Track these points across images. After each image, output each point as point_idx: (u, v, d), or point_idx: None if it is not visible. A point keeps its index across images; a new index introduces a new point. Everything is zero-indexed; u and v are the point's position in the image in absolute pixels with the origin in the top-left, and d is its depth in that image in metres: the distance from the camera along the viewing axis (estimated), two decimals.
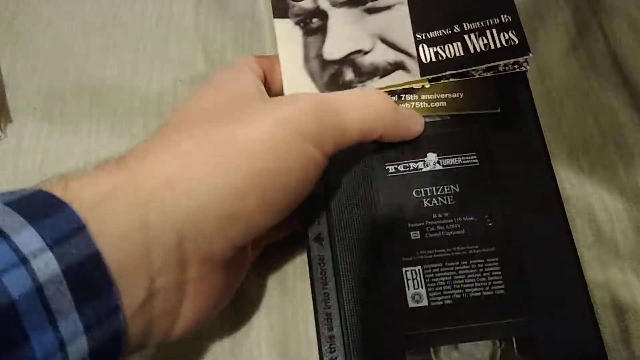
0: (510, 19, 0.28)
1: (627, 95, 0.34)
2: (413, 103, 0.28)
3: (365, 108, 0.24)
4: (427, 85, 0.28)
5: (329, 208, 0.26)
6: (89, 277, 0.18)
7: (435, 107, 0.28)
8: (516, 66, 0.28)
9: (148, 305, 0.20)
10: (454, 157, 0.27)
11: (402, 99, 0.28)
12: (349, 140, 0.24)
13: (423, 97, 0.28)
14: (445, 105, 0.28)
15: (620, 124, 0.33)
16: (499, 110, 0.27)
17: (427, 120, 0.28)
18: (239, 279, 0.26)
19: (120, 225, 0.19)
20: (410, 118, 0.27)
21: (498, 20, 0.28)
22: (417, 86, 0.28)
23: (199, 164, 0.21)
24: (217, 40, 0.38)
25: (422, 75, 0.28)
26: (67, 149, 0.34)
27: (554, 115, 0.33)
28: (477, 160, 0.27)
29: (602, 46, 0.35)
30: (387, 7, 0.29)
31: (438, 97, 0.28)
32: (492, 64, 0.27)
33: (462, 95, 0.28)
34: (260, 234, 0.23)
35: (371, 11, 0.29)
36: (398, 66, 0.28)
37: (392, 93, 0.28)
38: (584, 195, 0.31)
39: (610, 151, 0.32)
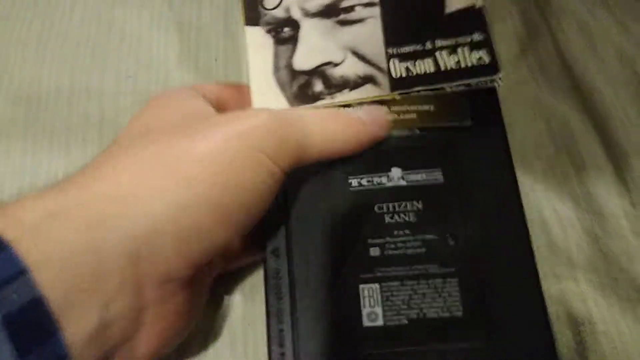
0: (482, 37, 0.28)
1: (578, 100, 0.33)
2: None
3: (328, 130, 0.24)
4: (398, 97, 0.28)
5: (287, 220, 0.25)
6: (31, 324, 0.17)
7: (405, 119, 0.27)
8: (488, 81, 0.27)
9: (102, 335, 0.19)
10: (419, 172, 0.26)
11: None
12: (308, 159, 0.24)
13: (393, 108, 0.27)
14: (415, 117, 0.27)
15: (571, 130, 0.32)
16: (470, 124, 0.27)
17: (394, 134, 0.27)
18: (201, 302, 0.25)
19: (67, 247, 0.18)
20: (371, 121, 0.26)
21: (470, 39, 0.28)
22: (387, 98, 0.28)
23: (152, 179, 0.20)
24: (161, 51, 0.36)
25: (391, 90, 0.27)
26: None
27: (505, 121, 0.33)
28: (442, 177, 0.26)
29: (551, 50, 0.35)
30: (360, 20, 0.29)
31: (408, 109, 0.27)
32: (461, 82, 0.27)
33: (433, 108, 0.27)
34: (219, 250, 0.22)
35: (344, 23, 0.29)
36: (368, 80, 0.28)
37: (361, 105, 0.27)
38: (536, 204, 0.31)
39: (562, 158, 0.32)
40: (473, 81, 0.27)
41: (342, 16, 0.29)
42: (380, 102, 0.27)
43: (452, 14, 0.28)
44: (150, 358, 0.22)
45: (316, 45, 0.29)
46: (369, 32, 0.28)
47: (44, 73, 0.35)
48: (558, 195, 0.31)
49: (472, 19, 0.28)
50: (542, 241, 0.30)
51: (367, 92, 0.27)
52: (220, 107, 0.27)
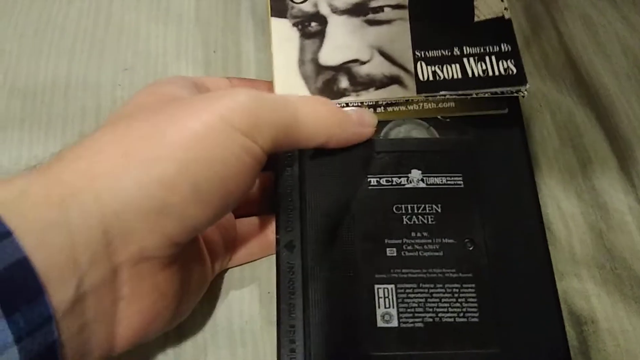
0: (510, 48, 0.28)
1: (583, 94, 0.33)
2: (422, 104, 0.27)
3: (312, 115, 0.24)
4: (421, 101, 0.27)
5: (303, 215, 0.25)
6: (18, 283, 0.16)
7: (443, 107, 0.27)
8: (514, 90, 0.27)
9: (78, 307, 0.18)
10: (439, 176, 0.26)
11: (410, 100, 0.27)
12: (291, 142, 0.23)
13: (431, 98, 0.27)
14: (453, 106, 0.27)
15: (576, 124, 0.32)
16: (506, 111, 0.27)
17: (415, 136, 0.27)
18: (194, 290, 0.25)
19: (39, 220, 0.18)
20: (359, 120, 0.26)
21: (498, 48, 0.28)
22: (412, 99, 0.27)
23: (121, 157, 0.20)
24: (159, 44, 0.36)
25: (418, 92, 0.27)
26: None
27: None
28: (462, 182, 0.26)
29: (556, 44, 0.35)
30: (388, 21, 0.29)
31: (447, 98, 0.27)
32: (488, 90, 0.27)
33: (470, 97, 0.27)
34: (198, 229, 0.21)
35: (372, 23, 0.29)
36: (394, 80, 0.27)
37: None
38: (540, 199, 0.29)
39: (567, 152, 0.32)
40: (499, 90, 0.27)
41: (370, 16, 0.29)
42: (406, 103, 0.27)
43: (480, 23, 0.28)
44: (132, 342, 0.21)
45: (343, 42, 0.28)
46: (397, 34, 0.28)
47: (40, 65, 0.35)
48: (562, 190, 0.31)
49: (500, 30, 0.28)
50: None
51: (392, 92, 0.27)
52: None
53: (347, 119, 0.25)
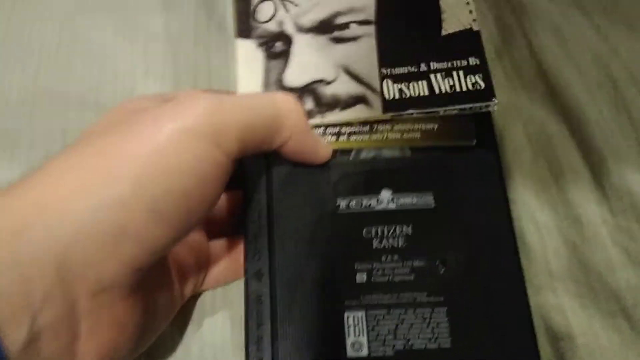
0: (478, 62, 0.27)
1: (555, 105, 0.32)
2: (386, 134, 0.27)
3: (268, 104, 0.23)
4: (387, 124, 0.27)
5: (272, 242, 0.24)
6: None
7: (408, 138, 0.27)
8: (483, 106, 0.27)
9: (33, 347, 0.17)
10: (410, 196, 0.25)
11: (374, 129, 0.27)
12: (254, 137, 0.22)
13: (396, 127, 0.27)
14: (419, 136, 0.27)
15: (549, 135, 0.32)
16: (474, 143, 0.26)
17: (385, 154, 0.26)
18: (159, 318, 0.24)
19: None
20: (319, 139, 0.26)
21: (466, 63, 0.27)
22: (379, 119, 0.27)
23: (74, 180, 0.19)
24: (127, 62, 0.35)
25: (383, 112, 0.26)
26: None
27: None
28: (433, 202, 0.25)
29: (526, 55, 0.34)
30: (354, 38, 0.28)
31: (412, 127, 0.27)
32: (456, 107, 0.26)
33: (436, 127, 0.27)
34: (160, 251, 0.20)
35: (337, 40, 0.28)
36: (360, 100, 0.27)
37: (364, 123, 0.27)
38: (514, 210, 0.29)
39: (540, 164, 0.31)
40: (467, 106, 0.26)
41: (336, 33, 0.28)
42: (373, 122, 0.27)
43: (448, 36, 0.28)
44: None
45: (308, 61, 0.28)
46: (363, 51, 0.28)
47: (5, 84, 0.34)
48: (536, 202, 0.30)
49: (468, 42, 0.27)
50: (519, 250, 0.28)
51: (358, 112, 0.26)
52: None
53: (309, 125, 0.25)
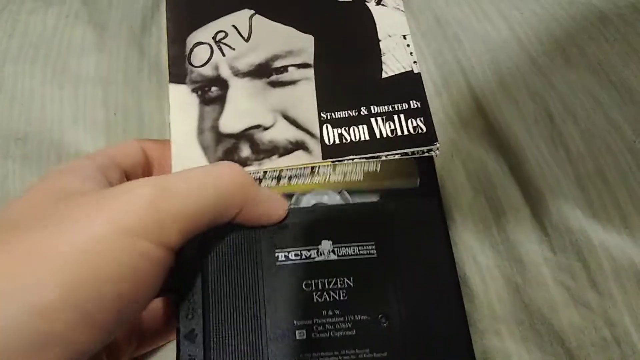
0: (419, 105, 0.26)
1: (493, 142, 0.32)
2: (327, 176, 0.26)
3: (215, 185, 0.21)
4: (329, 166, 0.26)
5: (206, 299, 0.23)
6: None
7: (350, 180, 0.26)
8: (425, 150, 0.26)
9: None
10: (351, 246, 0.24)
11: (315, 171, 0.26)
12: (200, 224, 0.21)
13: (338, 169, 0.26)
14: (361, 178, 0.26)
15: (488, 173, 0.31)
16: (417, 185, 0.26)
17: (326, 203, 0.25)
18: None
19: None
20: (271, 199, 0.24)
21: (407, 106, 0.26)
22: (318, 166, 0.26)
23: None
24: (55, 109, 0.33)
25: (323, 157, 0.25)
26: None
27: None
28: (375, 251, 0.24)
29: (465, 91, 0.34)
30: (293, 82, 0.27)
31: (354, 169, 0.26)
32: (396, 152, 0.26)
33: (379, 169, 0.26)
34: (89, 352, 0.19)
35: (275, 84, 0.27)
36: (299, 146, 0.26)
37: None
38: (455, 253, 0.28)
39: (481, 203, 0.30)
40: (409, 150, 0.26)
41: (274, 77, 0.27)
42: (311, 174, 0.26)
43: (389, 79, 0.27)
44: None
45: (245, 107, 0.26)
46: (302, 95, 0.27)
47: None
48: (477, 242, 0.29)
49: (409, 85, 0.27)
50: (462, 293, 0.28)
51: (297, 159, 0.25)
52: (139, 171, 0.25)
53: (259, 190, 0.23)
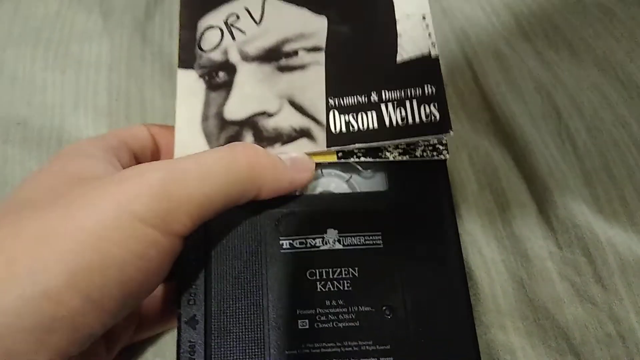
0: (434, 90, 0.25)
1: (499, 135, 0.32)
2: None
3: (230, 170, 0.21)
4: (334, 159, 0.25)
5: (208, 285, 0.22)
6: None
7: None
8: (435, 153, 0.25)
9: None
10: (357, 236, 0.24)
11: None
12: (212, 209, 0.20)
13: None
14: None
15: (494, 166, 0.31)
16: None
17: (334, 190, 0.25)
18: None
19: None
20: (294, 166, 0.23)
21: (420, 91, 0.25)
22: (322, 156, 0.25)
23: (4, 266, 0.17)
24: (57, 93, 0.32)
25: (328, 146, 0.25)
26: None
27: None
28: (381, 242, 0.24)
29: (471, 83, 0.34)
30: (302, 67, 0.26)
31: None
32: (407, 140, 0.25)
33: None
34: (93, 337, 0.18)
35: (284, 69, 0.26)
36: (303, 133, 0.25)
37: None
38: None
39: (486, 196, 0.30)
40: (419, 139, 0.25)
41: (283, 61, 0.26)
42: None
43: (404, 63, 0.26)
44: None
45: (251, 92, 0.26)
46: (310, 80, 0.26)
47: None
48: (483, 236, 0.29)
49: (425, 69, 0.26)
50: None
51: (301, 147, 0.25)
52: (148, 154, 0.24)
53: (280, 166, 0.23)
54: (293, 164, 0.24)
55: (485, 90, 0.33)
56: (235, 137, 0.25)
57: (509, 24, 0.36)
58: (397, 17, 0.27)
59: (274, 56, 0.27)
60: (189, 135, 0.25)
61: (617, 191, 0.29)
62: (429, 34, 0.26)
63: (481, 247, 0.29)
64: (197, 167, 0.20)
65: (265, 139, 0.25)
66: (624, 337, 0.26)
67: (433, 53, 0.26)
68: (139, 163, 0.24)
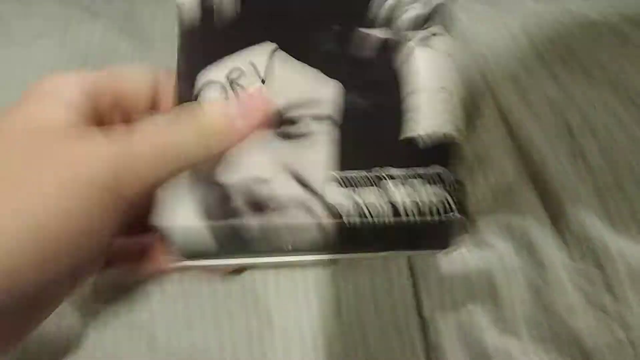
0: (442, 172, 0.24)
1: (514, 151, 0.32)
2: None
3: (179, 150, 0.22)
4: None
5: None
6: None
7: None
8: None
9: None
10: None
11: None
12: (161, 183, 0.22)
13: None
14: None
15: (508, 181, 0.32)
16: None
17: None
18: (40, 314, 0.23)
19: None
20: (245, 113, 0.24)
21: (430, 171, 0.24)
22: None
23: None
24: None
25: (324, 218, 0.24)
26: None
27: None
28: None
29: (489, 101, 0.34)
30: (304, 135, 0.25)
31: None
32: (411, 221, 0.24)
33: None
34: (43, 285, 0.20)
35: (285, 136, 0.25)
36: (298, 204, 0.24)
37: None
38: (483, 255, 0.30)
39: (502, 209, 0.31)
40: (426, 220, 0.24)
41: (284, 128, 0.25)
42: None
43: (415, 139, 0.25)
44: None
45: (246, 158, 0.25)
46: (312, 150, 0.25)
47: None
48: (503, 245, 0.30)
49: (437, 149, 0.24)
50: (487, 292, 0.29)
51: (293, 217, 0.24)
52: (141, 101, 0.25)
53: (231, 131, 0.24)
54: (243, 110, 0.24)
55: (502, 107, 0.33)
56: (226, 200, 0.24)
57: (526, 48, 0.35)
58: (414, 87, 0.25)
59: (276, 122, 0.25)
60: (176, 198, 0.25)
61: (628, 206, 0.30)
62: (450, 111, 0.24)
63: (503, 255, 0.30)
64: (150, 149, 0.21)
65: (256, 205, 0.24)
66: (634, 343, 0.27)
67: (448, 131, 0.24)
68: (124, 112, 0.25)
